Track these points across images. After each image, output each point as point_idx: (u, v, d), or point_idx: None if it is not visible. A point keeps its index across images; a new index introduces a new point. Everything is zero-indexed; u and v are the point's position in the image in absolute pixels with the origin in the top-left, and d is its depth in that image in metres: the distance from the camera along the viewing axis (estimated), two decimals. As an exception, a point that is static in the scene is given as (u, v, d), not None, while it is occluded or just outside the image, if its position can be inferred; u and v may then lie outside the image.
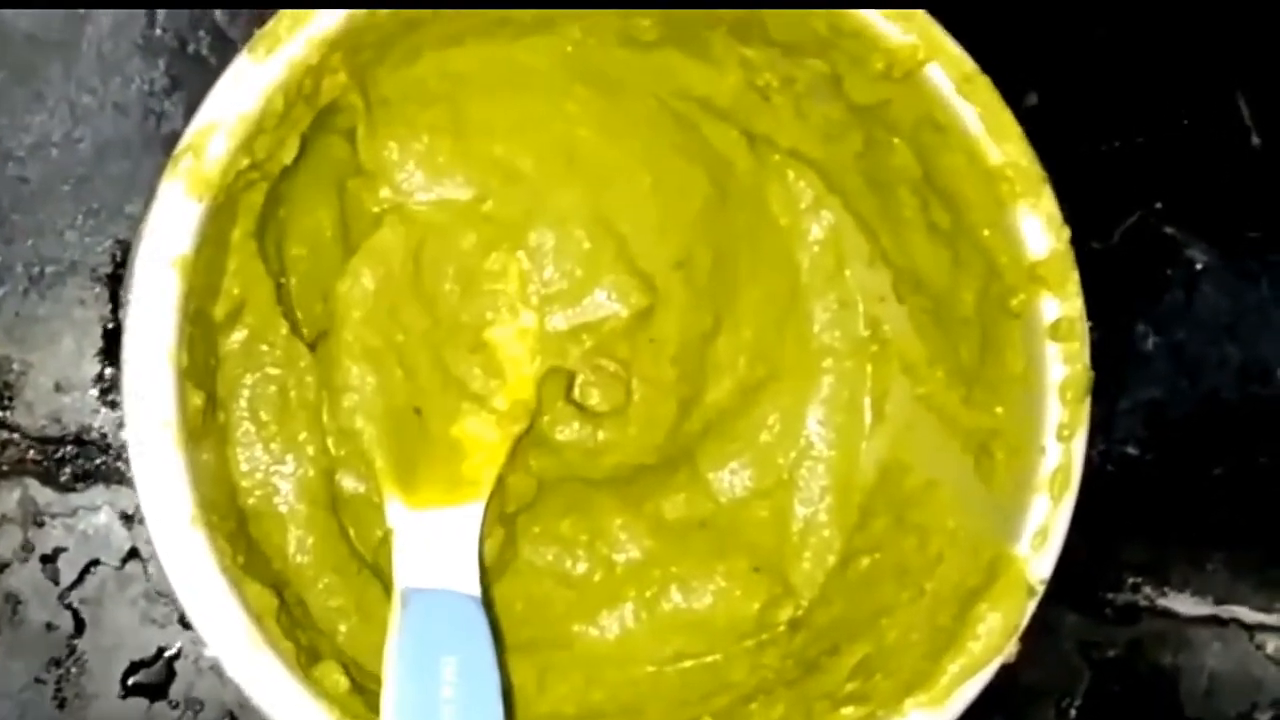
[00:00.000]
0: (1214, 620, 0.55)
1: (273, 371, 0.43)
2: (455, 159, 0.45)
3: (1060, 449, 0.41)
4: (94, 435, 0.49)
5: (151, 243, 0.36)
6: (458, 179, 0.45)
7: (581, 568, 0.47)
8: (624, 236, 0.45)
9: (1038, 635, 0.41)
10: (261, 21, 0.39)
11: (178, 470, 0.37)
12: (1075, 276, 0.41)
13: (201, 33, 0.50)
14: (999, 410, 0.43)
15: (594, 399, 0.45)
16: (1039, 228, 0.41)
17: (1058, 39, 0.54)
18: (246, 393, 0.42)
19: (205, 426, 0.39)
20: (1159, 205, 0.55)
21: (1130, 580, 0.54)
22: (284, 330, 0.43)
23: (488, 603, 0.42)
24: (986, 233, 0.42)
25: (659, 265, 0.45)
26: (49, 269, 0.49)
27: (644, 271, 0.45)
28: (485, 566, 0.44)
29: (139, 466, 0.36)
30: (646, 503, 0.47)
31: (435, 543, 0.43)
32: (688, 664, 0.47)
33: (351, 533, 0.44)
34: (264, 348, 0.42)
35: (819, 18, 0.41)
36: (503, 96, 0.44)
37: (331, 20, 0.38)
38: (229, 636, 0.37)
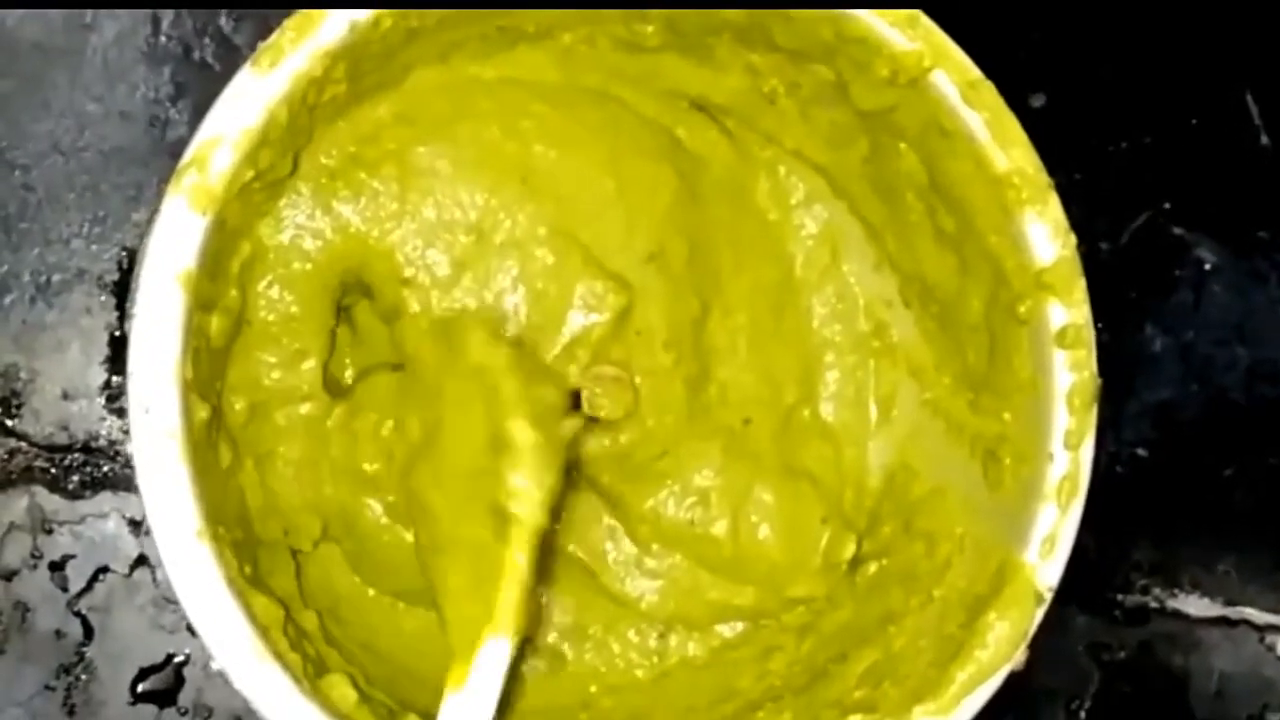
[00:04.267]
0: (1224, 621, 0.54)
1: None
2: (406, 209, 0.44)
3: (1068, 456, 0.41)
4: (101, 442, 0.49)
5: (156, 257, 0.36)
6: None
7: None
8: (586, 243, 0.45)
9: (1048, 636, 0.41)
10: (267, 27, 0.39)
11: (183, 482, 0.37)
12: (1082, 284, 0.41)
13: (206, 39, 0.50)
14: (1006, 416, 0.43)
15: (605, 409, 0.45)
16: (1045, 235, 0.41)
17: (1065, 40, 0.54)
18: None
19: (211, 438, 0.39)
20: (1168, 206, 0.54)
21: (1140, 581, 0.54)
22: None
23: None
24: (993, 239, 0.42)
25: (630, 261, 0.45)
26: (56, 277, 0.49)
27: (614, 271, 0.45)
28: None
29: (145, 479, 0.36)
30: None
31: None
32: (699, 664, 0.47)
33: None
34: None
35: (825, 24, 0.41)
36: (456, 131, 0.44)
37: (335, 32, 0.37)
38: (235, 648, 0.37)
